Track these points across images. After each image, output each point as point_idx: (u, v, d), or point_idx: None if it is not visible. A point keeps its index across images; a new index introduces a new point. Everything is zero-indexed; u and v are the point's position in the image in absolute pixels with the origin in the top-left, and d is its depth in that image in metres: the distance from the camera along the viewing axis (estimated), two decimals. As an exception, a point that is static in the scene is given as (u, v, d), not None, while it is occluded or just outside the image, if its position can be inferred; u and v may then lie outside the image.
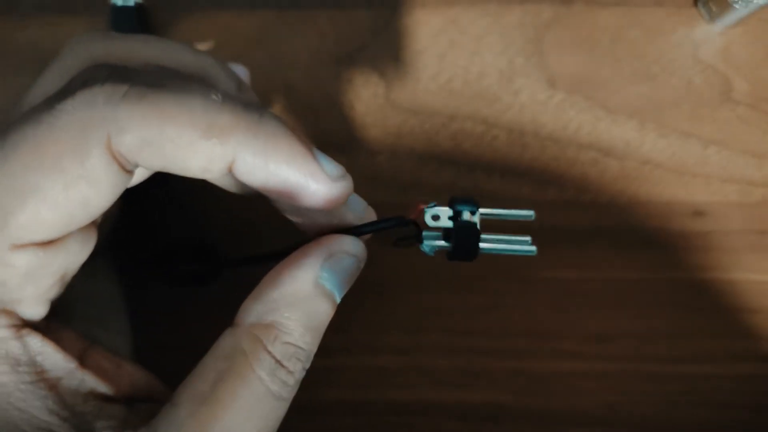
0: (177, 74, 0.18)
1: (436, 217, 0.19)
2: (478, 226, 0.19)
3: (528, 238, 0.20)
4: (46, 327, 0.17)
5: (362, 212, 0.20)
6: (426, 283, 0.28)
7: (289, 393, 0.18)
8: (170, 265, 0.26)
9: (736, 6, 0.29)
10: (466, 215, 0.20)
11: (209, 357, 0.17)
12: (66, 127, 0.15)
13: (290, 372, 0.18)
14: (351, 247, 0.19)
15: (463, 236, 0.19)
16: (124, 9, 0.29)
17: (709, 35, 0.31)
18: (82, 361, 0.17)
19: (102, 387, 0.17)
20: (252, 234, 0.28)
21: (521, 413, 0.27)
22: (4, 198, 0.15)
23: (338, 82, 0.30)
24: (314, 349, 0.18)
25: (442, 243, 0.19)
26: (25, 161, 0.15)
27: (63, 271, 0.17)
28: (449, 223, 0.19)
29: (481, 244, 0.19)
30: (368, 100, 0.30)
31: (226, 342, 0.17)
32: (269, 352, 0.17)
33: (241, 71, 0.23)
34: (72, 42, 0.19)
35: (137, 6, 0.30)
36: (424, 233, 0.19)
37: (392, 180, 0.29)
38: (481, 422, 0.27)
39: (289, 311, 0.17)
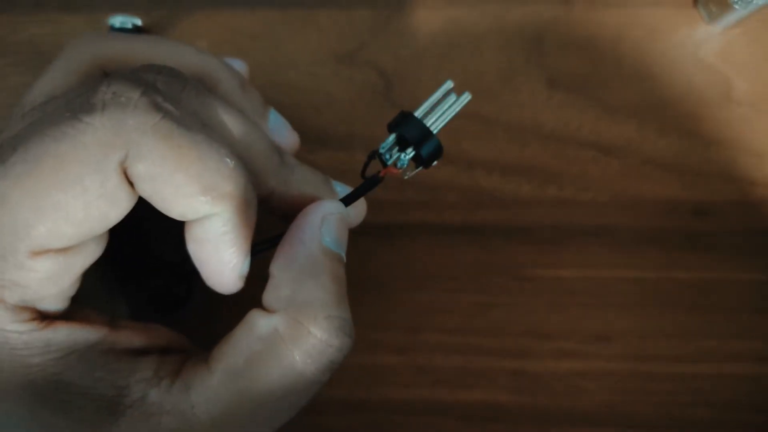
0: (195, 99, 0.18)
1: (390, 149, 0.20)
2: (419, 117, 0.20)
3: (449, 83, 0.21)
4: (68, 315, 0.18)
5: (324, 187, 0.21)
6: (425, 282, 0.28)
7: (327, 374, 0.18)
8: (145, 284, 0.25)
9: (736, 6, 0.29)
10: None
11: (242, 335, 0.18)
12: (90, 145, 0.15)
13: (338, 348, 0.18)
14: (334, 207, 0.19)
15: (412, 132, 0.20)
16: (122, 31, 0.30)
17: (709, 35, 0.31)
18: (111, 327, 0.18)
19: (135, 342, 0.18)
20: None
21: (521, 413, 0.27)
22: (26, 212, 0.15)
23: (338, 81, 0.30)
24: (350, 316, 0.18)
25: (410, 152, 0.20)
26: (48, 180, 0.15)
27: (82, 270, 0.17)
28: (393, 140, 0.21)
29: (431, 126, 0.20)
30: (368, 99, 0.30)
31: (260, 322, 0.18)
32: (311, 333, 0.17)
33: (241, 66, 0.23)
34: (75, 41, 0.19)
35: (135, 28, 0.30)
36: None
37: (392, 179, 0.29)
38: (480, 422, 0.27)
39: (315, 284, 0.18)
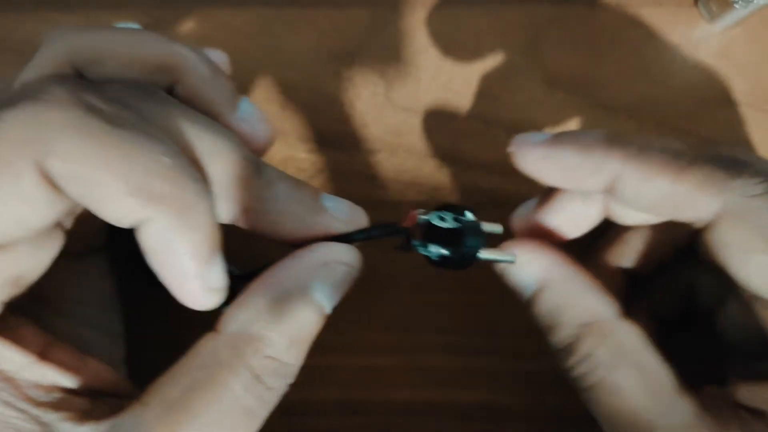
0: (146, 102, 0.17)
1: (442, 218, 0.19)
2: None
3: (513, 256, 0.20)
4: (2, 326, 0.17)
5: (348, 216, 0.19)
6: (424, 282, 0.28)
7: (265, 410, 0.17)
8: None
9: (736, 6, 0.29)
10: (469, 215, 0.19)
11: (185, 361, 0.17)
12: (2, 142, 0.14)
13: (269, 388, 0.17)
14: (344, 256, 0.18)
15: (470, 233, 0.19)
16: None
17: (709, 35, 0.31)
18: (43, 355, 0.17)
19: (64, 380, 0.17)
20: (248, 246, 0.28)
21: (520, 413, 0.27)
22: None
23: (338, 81, 0.30)
24: (299, 364, 0.17)
25: (444, 251, 0.19)
26: None
27: (15, 275, 0.16)
28: (454, 225, 0.19)
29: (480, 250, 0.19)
30: (368, 98, 0.30)
31: (204, 348, 0.17)
32: (249, 366, 0.16)
33: (220, 57, 0.22)
34: (49, 36, 0.19)
35: None
36: (419, 242, 0.19)
37: (392, 179, 0.29)
38: (479, 422, 0.27)
39: (274, 322, 0.16)
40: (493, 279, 0.28)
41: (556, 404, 0.27)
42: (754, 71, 0.30)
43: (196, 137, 0.17)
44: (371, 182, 0.29)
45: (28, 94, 0.15)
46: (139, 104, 0.16)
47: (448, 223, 0.19)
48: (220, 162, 0.17)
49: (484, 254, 0.19)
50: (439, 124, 0.30)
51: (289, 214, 0.18)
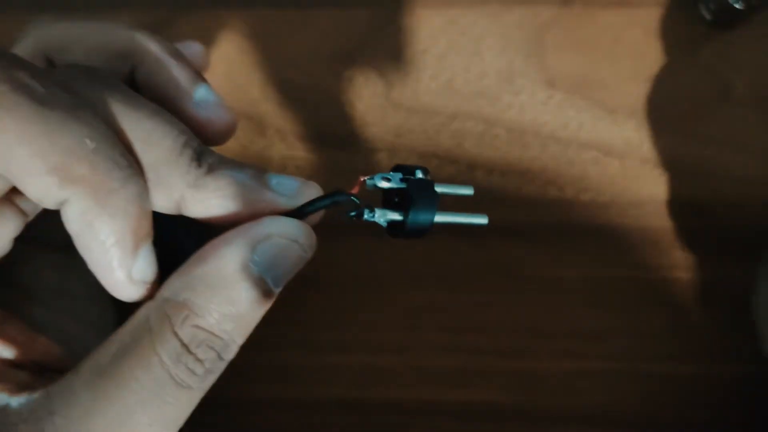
0: (91, 87, 0.17)
1: (386, 179, 0.17)
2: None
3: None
4: None
5: (295, 192, 0.18)
6: (423, 281, 0.28)
7: (197, 383, 0.16)
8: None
9: (736, 6, 0.29)
10: (420, 174, 0.17)
11: (120, 329, 0.16)
12: None
13: (198, 360, 0.16)
14: (290, 230, 0.17)
15: (421, 194, 0.17)
16: None
17: (708, 35, 0.31)
18: None
19: (5, 352, 0.17)
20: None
21: (520, 413, 0.27)
22: None
23: (338, 81, 0.30)
24: (238, 341, 0.17)
25: (395, 215, 0.17)
26: None
27: None
28: (401, 185, 0.17)
29: (436, 217, 0.17)
30: (368, 98, 0.30)
31: (137, 315, 0.16)
32: (175, 334, 0.16)
33: (193, 47, 0.22)
34: (25, 31, 0.20)
35: None
36: (370, 209, 0.17)
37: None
38: (479, 422, 0.27)
39: (207, 292, 0.16)
40: (491, 278, 0.28)
41: (555, 404, 0.27)
42: (754, 71, 0.30)
43: (135, 123, 0.17)
44: (371, 182, 0.29)
45: None
46: (83, 89, 0.16)
47: (393, 182, 0.17)
48: (158, 149, 0.17)
49: (447, 218, 0.17)
50: (439, 124, 0.30)
51: (231, 197, 0.17)
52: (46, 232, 0.19)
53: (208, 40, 0.31)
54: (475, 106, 0.30)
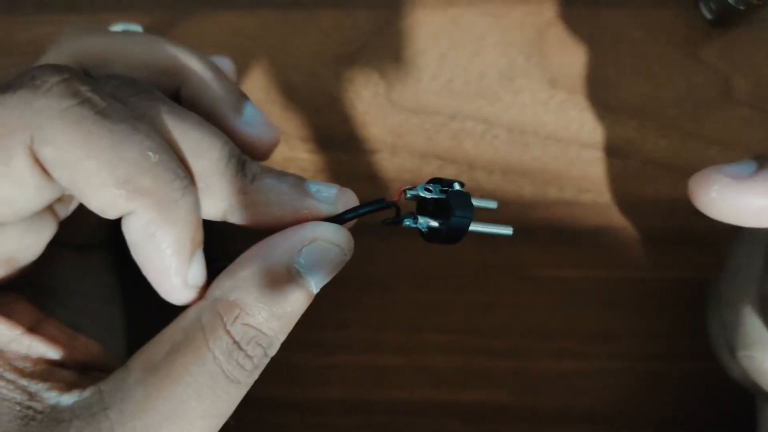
0: (139, 99, 0.17)
1: (428, 189, 0.19)
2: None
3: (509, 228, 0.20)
4: None
5: (334, 198, 0.19)
6: (426, 281, 0.28)
7: (246, 377, 0.17)
8: None
9: (737, 6, 0.29)
10: (457, 186, 0.19)
11: (170, 327, 0.17)
12: None
13: (248, 356, 0.17)
14: (332, 235, 0.18)
15: (460, 205, 0.18)
16: None
17: (709, 35, 0.31)
18: (33, 330, 0.18)
19: (52, 353, 0.18)
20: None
21: (521, 413, 0.27)
22: None
23: (339, 82, 0.30)
24: (281, 338, 0.18)
25: (433, 223, 0.19)
26: None
27: (5, 255, 0.17)
28: (441, 195, 0.19)
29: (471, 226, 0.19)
30: (369, 99, 0.30)
31: (189, 314, 0.17)
32: (227, 332, 0.16)
33: (225, 63, 0.23)
34: (60, 36, 0.20)
35: None
36: (407, 216, 0.19)
37: (393, 179, 0.29)
38: (480, 422, 0.27)
39: (255, 291, 0.17)
40: (494, 278, 0.29)
41: (557, 404, 0.27)
42: (754, 71, 0.30)
43: (183, 135, 0.17)
44: (372, 182, 0.29)
45: (24, 80, 0.15)
46: (131, 100, 0.17)
47: (434, 193, 0.19)
48: (206, 159, 0.17)
49: (478, 227, 0.19)
50: (439, 124, 0.30)
51: (275, 204, 0.18)
52: (62, 233, 0.19)
53: (210, 41, 0.31)
54: (476, 106, 0.30)
